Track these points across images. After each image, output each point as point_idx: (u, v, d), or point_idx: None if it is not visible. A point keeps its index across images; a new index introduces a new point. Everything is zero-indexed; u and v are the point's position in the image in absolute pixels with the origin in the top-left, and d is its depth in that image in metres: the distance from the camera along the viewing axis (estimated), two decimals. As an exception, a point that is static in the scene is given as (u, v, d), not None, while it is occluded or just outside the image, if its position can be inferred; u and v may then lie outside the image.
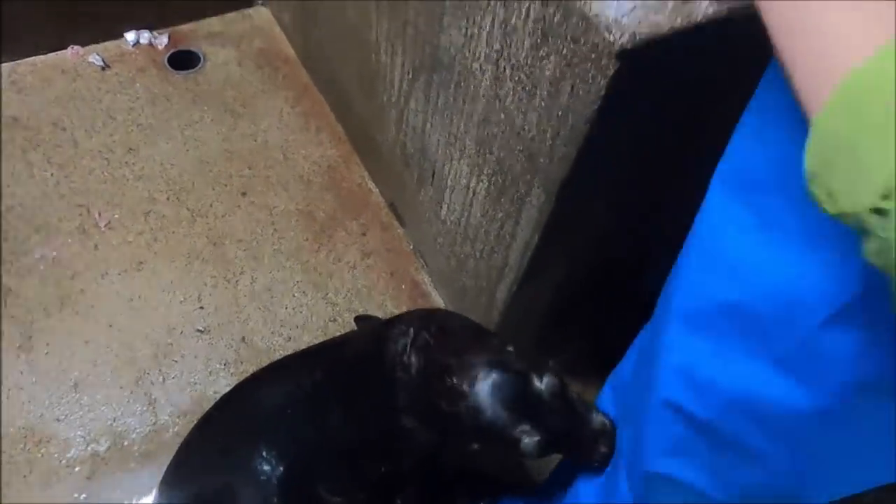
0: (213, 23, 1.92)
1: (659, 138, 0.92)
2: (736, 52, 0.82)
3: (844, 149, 0.34)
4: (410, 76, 1.25)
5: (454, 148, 1.19)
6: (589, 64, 0.78)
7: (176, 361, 1.40)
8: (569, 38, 0.79)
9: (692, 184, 0.69)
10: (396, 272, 1.58)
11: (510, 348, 0.92)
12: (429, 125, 1.26)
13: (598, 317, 1.41)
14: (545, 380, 0.87)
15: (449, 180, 1.27)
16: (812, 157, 0.36)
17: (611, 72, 0.76)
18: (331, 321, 1.49)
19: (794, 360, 0.54)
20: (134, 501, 1.24)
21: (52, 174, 1.59)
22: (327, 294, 1.52)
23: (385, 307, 1.52)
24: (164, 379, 1.38)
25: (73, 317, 1.42)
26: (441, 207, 1.35)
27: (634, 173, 0.98)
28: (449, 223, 1.35)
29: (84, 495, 1.24)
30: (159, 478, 1.09)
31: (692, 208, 0.66)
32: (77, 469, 1.26)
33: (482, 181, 1.15)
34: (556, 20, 0.80)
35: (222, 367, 1.41)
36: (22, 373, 1.34)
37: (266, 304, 1.49)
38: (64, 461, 1.27)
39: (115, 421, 1.32)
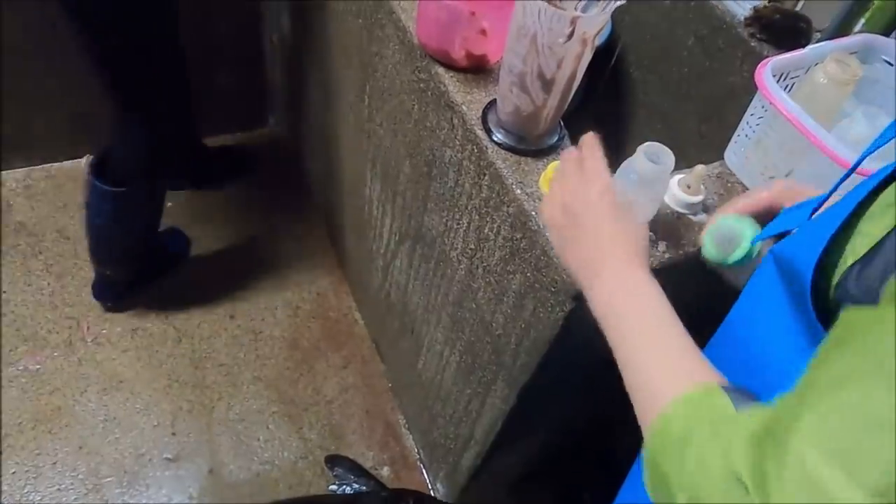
0: (226, 140, 1.99)
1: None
2: (685, 297, 0.86)
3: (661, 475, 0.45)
4: (397, 238, 1.29)
5: (432, 315, 1.22)
6: (549, 294, 0.81)
7: (140, 491, 1.39)
8: (533, 264, 0.83)
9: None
10: (372, 410, 1.58)
11: None
12: (410, 286, 1.29)
13: (569, 483, 1.40)
14: None
15: (426, 341, 1.29)
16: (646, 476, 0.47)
17: (567, 308, 0.79)
18: (302, 458, 1.49)
19: None
20: None
21: (48, 283, 1.63)
22: (301, 428, 1.53)
23: (357, 448, 1.52)
24: (125, 509, 1.37)
25: (45, 435, 1.43)
26: (418, 361, 1.37)
27: (597, 383, 1.00)
28: (424, 378, 1.36)
29: None
30: None
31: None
32: None
33: (454, 354, 1.17)
34: (522, 245, 0.84)
35: (186, 500, 1.40)
36: (-15, 492, 1.34)
37: (239, 435, 1.50)
38: (12, 592, 1.25)
39: (70, 551, 1.31)
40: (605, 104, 1.39)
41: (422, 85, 0.98)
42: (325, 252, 1.83)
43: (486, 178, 0.88)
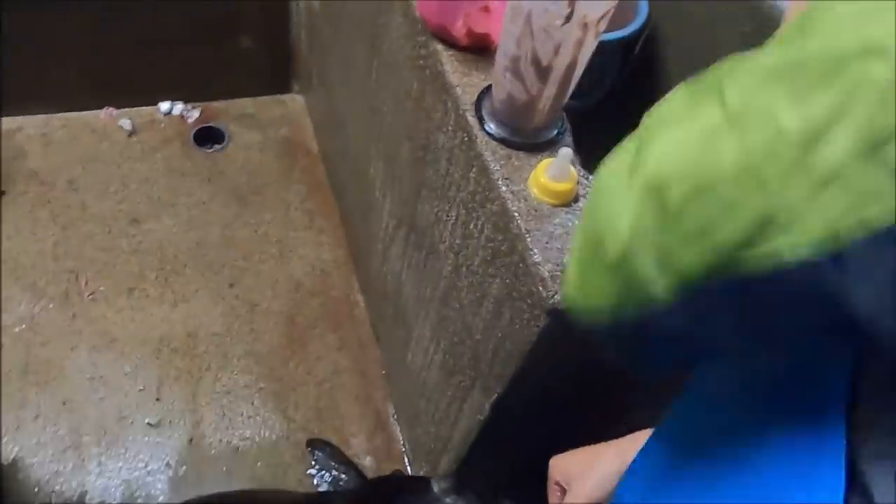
0: (246, 104, 1.95)
1: (595, 380, 0.86)
2: None
3: None
4: (395, 223, 1.22)
5: (421, 307, 1.15)
6: (525, 305, 0.73)
7: (118, 454, 1.37)
8: (512, 270, 0.75)
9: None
10: (363, 397, 1.53)
11: None
12: (404, 275, 1.22)
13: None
14: None
15: (415, 333, 1.22)
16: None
17: (541, 323, 0.71)
18: (283, 438, 1.45)
19: None
20: None
21: (52, 234, 1.62)
22: (286, 408, 1.48)
23: (342, 434, 1.47)
24: (101, 471, 1.35)
25: (31, 387, 1.42)
26: (407, 352, 1.30)
27: (574, 401, 0.92)
28: (412, 371, 1.30)
29: (-12, 583, 1.21)
30: None
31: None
32: (-11, 553, 1.24)
33: (438, 353, 1.10)
34: (503, 248, 0.76)
35: (162, 468, 1.37)
36: (-34, 437, 1.34)
37: (223, 408, 1.46)
38: (-20, 541, 1.25)
39: (41, 507, 1.30)
40: (633, 102, 1.28)
41: (421, 62, 0.91)
42: (334, 229, 1.77)
43: (474, 169, 0.80)
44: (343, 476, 1.40)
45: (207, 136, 1.87)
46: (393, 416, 1.52)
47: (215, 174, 1.81)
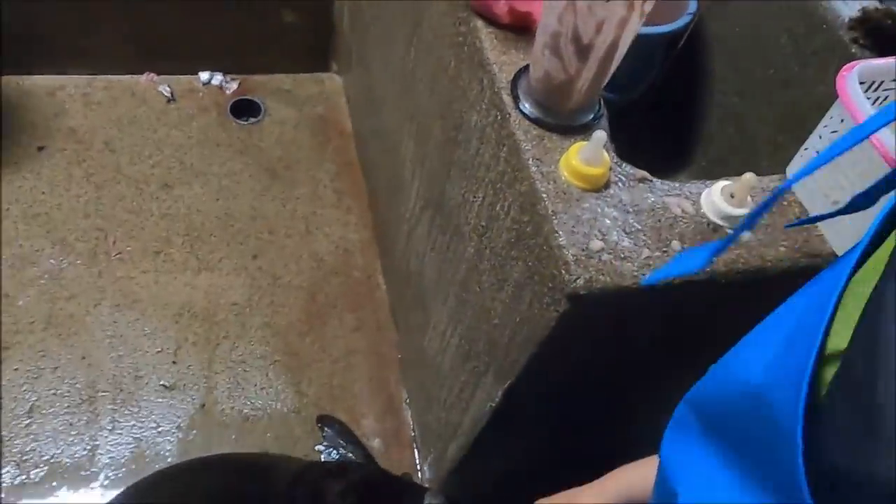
0: (284, 80, 1.96)
1: (607, 374, 0.84)
2: (693, 311, 0.75)
3: None
4: (422, 204, 1.21)
5: (441, 291, 1.14)
6: (545, 289, 0.72)
7: (131, 412, 1.39)
8: (535, 253, 0.74)
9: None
10: (376, 379, 1.53)
11: None
12: (427, 257, 1.21)
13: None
14: None
15: (433, 318, 1.21)
16: None
17: (561, 308, 0.69)
18: (294, 412, 1.45)
19: None
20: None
21: (85, 192, 1.64)
22: (300, 383, 1.48)
23: (352, 414, 1.47)
24: (113, 427, 1.37)
25: (53, 339, 1.44)
26: (424, 337, 1.29)
27: (585, 393, 0.90)
28: (427, 356, 1.29)
29: (-4, 526, 1.23)
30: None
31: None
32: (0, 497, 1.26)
33: (455, 337, 1.09)
34: (528, 230, 0.75)
35: (173, 430, 1.38)
36: (-14, 382, 1.36)
37: (237, 376, 1.47)
38: (-9, 484, 1.27)
39: (52, 458, 1.32)
40: (676, 97, 1.25)
41: (460, 39, 0.89)
42: (361, 210, 1.77)
43: (505, 149, 0.79)
44: (350, 455, 1.40)
45: (244, 109, 1.88)
46: (405, 401, 1.51)
47: (249, 146, 1.82)
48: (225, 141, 1.81)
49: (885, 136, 0.62)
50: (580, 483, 0.71)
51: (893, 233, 0.37)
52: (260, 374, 1.48)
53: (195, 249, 1.62)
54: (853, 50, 0.94)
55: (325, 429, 1.43)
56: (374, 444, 1.45)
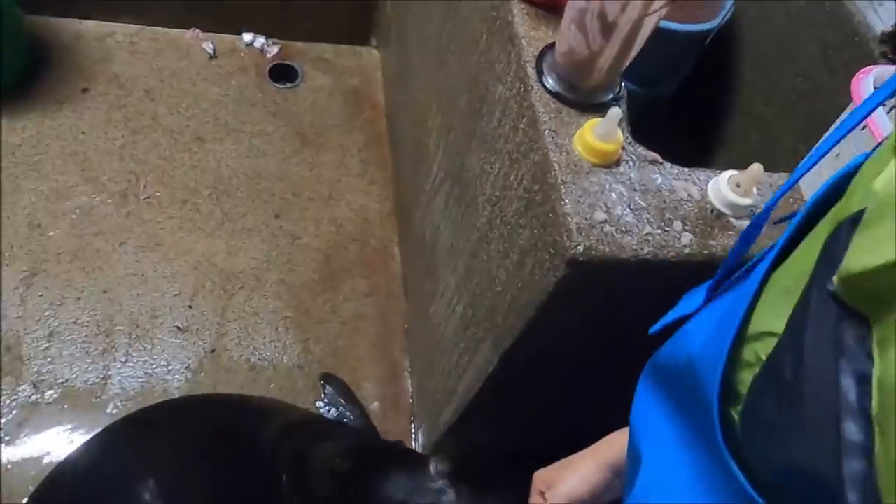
0: (324, 49, 2.00)
1: (600, 345, 0.87)
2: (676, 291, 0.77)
3: None
4: (442, 175, 1.25)
5: (451, 259, 1.18)
6: (547, 255, 0.75)
7: (144, 348, 1.45)
8: (542, 220, 0.77)
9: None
10: (381, 345, 1.57)
11: None
12: (441, 227, 1.25)
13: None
14: None
15: (441, 286, 1.25)
16: None
17: (560, 273, 0.72)
18: (299, 367, 1.50)
19: None
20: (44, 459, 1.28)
21: (122, 135, 1.70)
22: (307, 340, 1.53)
23: (354, 375, 1.51)
24: (126, 360, 1.42)
25: (78, 271, 1.50)
26: (431, 306, 1.33)
27: (577, 362, 0.93)
28: (433, 324, 1.32)
29: (7, 437, 1.29)
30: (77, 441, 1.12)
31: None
32: (14, 413, 1.32)
33: (460, 305, 1.12)
34: (537, 198, 0.78)
35: (182, 370, 1.44)
36: (12, 305, 1.43)
37: (248, 327, 1.52)
38: (7, 399, 1.33)
39: (66, 381, 1.38)
40: (702, 100, 1.27)
41: (493, 13, 0.92)
42: (385, 182, 1.81)
43: (524, 120, 0.82)
44: (349, 415, 1.44)
45: (282, 73, 1.93)
46: (407, 370, 1.55)
47: (283, 110, 1.86)
48: (260, 102, 1.86)
49: (879, 118, 0.64)
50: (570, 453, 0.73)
51: (814, 232, 0.39)
52: (270, 327, 1.53)
53: (221, 202, 1.67)
54: (882, 63, 0.95)
55: (327, 387, 1.48)
56: (373, 407, 1.49)
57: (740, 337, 0.40)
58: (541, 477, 0.72)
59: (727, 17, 1.14)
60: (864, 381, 0.30)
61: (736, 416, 0.40)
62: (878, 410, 0.29)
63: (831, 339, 0.32)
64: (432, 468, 1.08)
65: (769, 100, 1.18)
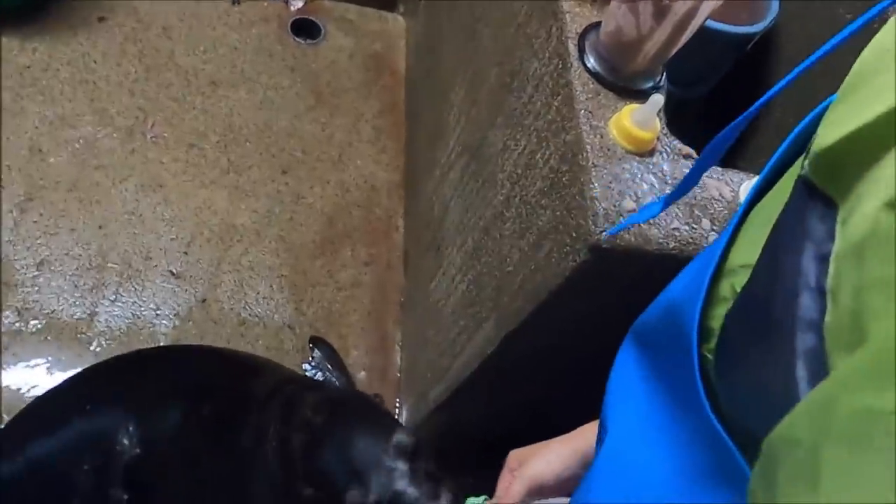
0: (350, 9, 1.95)
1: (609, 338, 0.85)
2: None
3: None
4: (460, 150, 1.22)
5: (460, 235, 1.15)
6: (568, 239, 0.72)
7: (135, 289, 1.42)
8: (566, 202, 0.74)
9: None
10: (374, 315, 1.55)
11: None
12: (453, 202, 1.22)
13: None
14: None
15: (445, 262, 1.23)
16: None
17: (579, 258, 0.70)
18: (289, 327, 1.48)
19: None
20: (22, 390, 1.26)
21: (135, 70, 1.66)
22: (301, 301, 1.51)
23: (344, 342, 1.49)
24: (115, 299, 1.40)
25: (75, 203, 1.46)
26: (432, 281, 1.31)
27: (582, 351, 0.91)
28: (431, 300, 1.30)
29: (-14, 364, 1.27)
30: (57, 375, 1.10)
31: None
32: (-6, 338, 1.29)
33: (463, 283, 1.10)
34: (564, 179, 0.75)
35: (171, 316, 1.41)
36: (5, 227, 1.39)
37: (242, 280, 1.49)
38: (-11, 324, 1.30)
39: (52, 313, 1.35)
40: (734, 102, 1.24)
41: (539, -15, 0.89)
42: (396, 152, 1.77)
43: (559, 98, 0.79)
44: (334, 380, 1.43)
45: (304, 28, 1.88)
46: (398, 343, 1.53)
47: (301, 65, 1.82)
48: (279, 54, 1.82)
49: None
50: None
51: (793, 167, 0.38)
52: (265, 283, 1.50)
53: (228, 151, 1.63)
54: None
55: (316, 350, 1.45)
56: (360, 376, 1.48)
57: (718, 274, 0.39)
58: (515, 455, 0.72)
59: (771, 22, 1.11)
60: (824, 259, 0.28)
61: (710, 356, 0.38)
62: (833, 282, 0.27)
63: (801, 226, 0.31)
64: (395, 438, 1.04)
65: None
